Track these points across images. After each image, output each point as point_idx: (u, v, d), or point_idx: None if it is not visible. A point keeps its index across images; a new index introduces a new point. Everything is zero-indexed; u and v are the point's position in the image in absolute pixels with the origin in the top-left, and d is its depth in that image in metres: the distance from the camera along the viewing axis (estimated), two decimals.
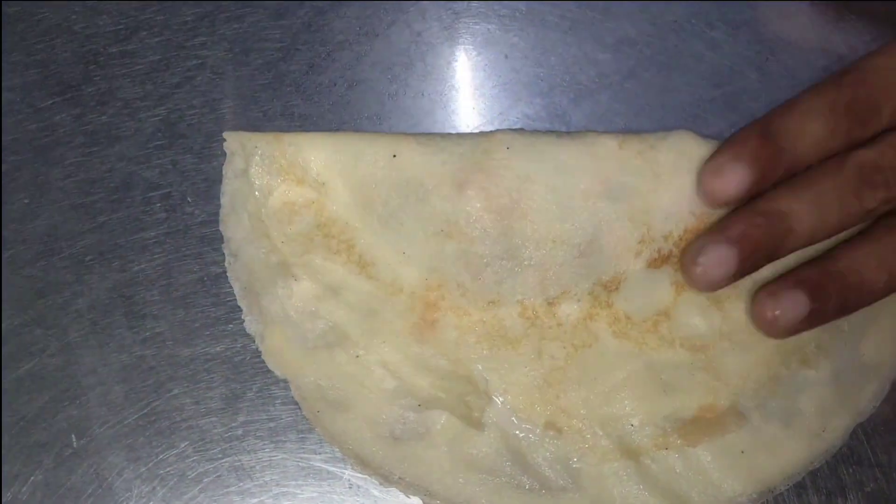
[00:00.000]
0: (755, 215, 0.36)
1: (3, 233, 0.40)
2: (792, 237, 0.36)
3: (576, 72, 0.43)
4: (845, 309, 0.37)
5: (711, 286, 0.37)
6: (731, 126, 0.43)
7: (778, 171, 0.36)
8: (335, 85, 0.43)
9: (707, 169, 0.37)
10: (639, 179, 0.38)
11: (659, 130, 0.40)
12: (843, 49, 0.44)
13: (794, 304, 0.36)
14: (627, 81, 0.43)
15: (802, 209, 0.35)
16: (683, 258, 0.37)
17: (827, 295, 0.36)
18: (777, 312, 0.36)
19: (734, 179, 0.36)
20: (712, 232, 0.37)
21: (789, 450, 0.37)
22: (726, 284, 0.36)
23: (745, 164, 0.36)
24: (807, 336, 0.38)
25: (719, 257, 0.36)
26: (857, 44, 0.44)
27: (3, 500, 0.37)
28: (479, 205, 0.38)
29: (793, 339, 0.39)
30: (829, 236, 0.36)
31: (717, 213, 0.38)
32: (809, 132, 0.36)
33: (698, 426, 0.37)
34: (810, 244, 0.36)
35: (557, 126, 0.43)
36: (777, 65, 0.44)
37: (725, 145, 0.37)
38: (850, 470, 0.38)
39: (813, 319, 0.36)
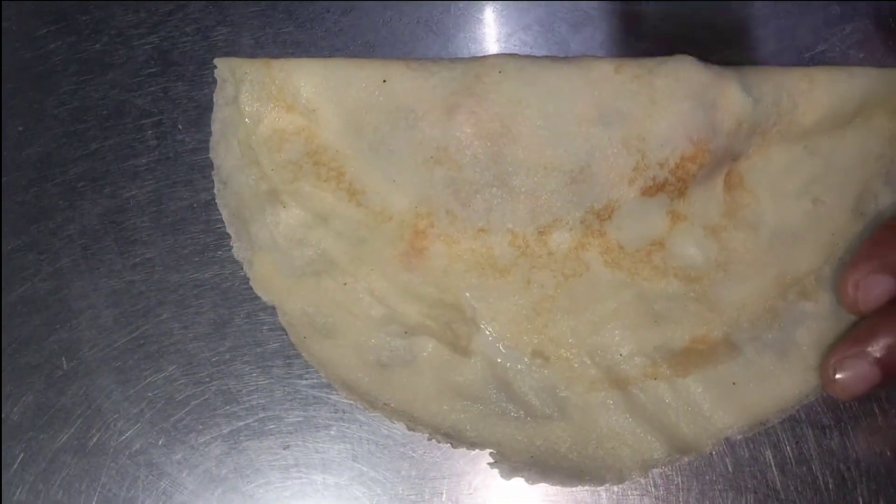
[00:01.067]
0: None
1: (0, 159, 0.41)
2: None
3: None
4: None
5: (850, 398, 0.36)
6: (736, 54, 0.41)
7: None
8: (328, 11, 0.42)
9: (847, 280, 0.35)
10: (634, 104, 0.37)
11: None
12: None
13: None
14: (630, 8, 0.42)
15: None
16: (823, 366, 0.36)
17: None
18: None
19: (879, 291, 0.34)
20: (853, 342, 0.35)
21: (783, 383, 0.36)
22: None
23: (889, 276, 0.34)
24: (806, 268, 0.37)
25: (860, 375, 0.34)
26: None
27: None
28: (469, 130, 0.37)
29: (792, 272, 0.38)
30: None
31: (717, 141, 0.37)
32: None
33: (689, 357, 0.37)
34: None
35: (555, 53, 0.42)
36: None
37: (866, 253, 0.35)
38: (846, 405, 0.37)
39: None
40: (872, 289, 0.35)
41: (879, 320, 0.35)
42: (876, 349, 0.34)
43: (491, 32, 0.42)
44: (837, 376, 0.35)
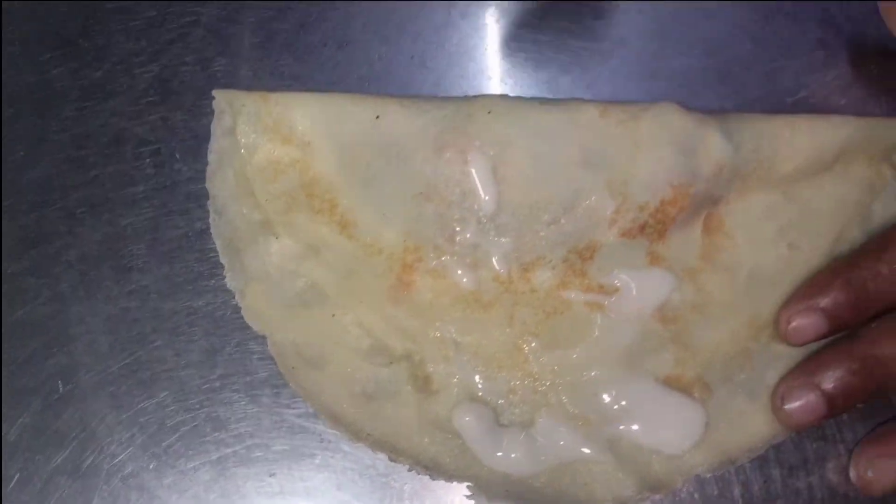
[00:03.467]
0: (850, 360, 0.35)
1: (2, 183, 0.42)
2: (891, 382, 0.35)
3: (566, 38, 0.43)
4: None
5: (796, 429, 0.37)
6: (721, 98, 0.42)
7: (863, 316, 0.36)
8: (325, 45, 0.43)
9: (782, 314, 0.37)
10: (618, 149, 0.38)
11: (645, 100, 0.39)
12: (841, 20, 0.43)
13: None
14: (618, 49, 0.43)
15: None
16: (772, 394, 0.37)
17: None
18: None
19: (807, 326, 0.36)
20: (801, 373, 0.36)
21: (753, 423, 0.38)
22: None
23: (822, 315, 0.36)
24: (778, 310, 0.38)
25: (808, 406, 0.35)
26: (855, 14, 0.43)
27: None
28: (458, 168, 0.38)
29: (766, 314, 0.39)
30: None
31: (697, 186, 0.38)
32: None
33: None
34: None
35: (545, 93, 0.43)
36: (772, 34, 0.43)
37: (803, 291, 0.37)
38: (814, 445, 0.38)
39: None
40: (802, 323, 0.36)
41: (828, 352, 0.36)
42: (823, 381, 0.35)
43: (483, 70, 0.43)
44: (785, 406, 0.36)
